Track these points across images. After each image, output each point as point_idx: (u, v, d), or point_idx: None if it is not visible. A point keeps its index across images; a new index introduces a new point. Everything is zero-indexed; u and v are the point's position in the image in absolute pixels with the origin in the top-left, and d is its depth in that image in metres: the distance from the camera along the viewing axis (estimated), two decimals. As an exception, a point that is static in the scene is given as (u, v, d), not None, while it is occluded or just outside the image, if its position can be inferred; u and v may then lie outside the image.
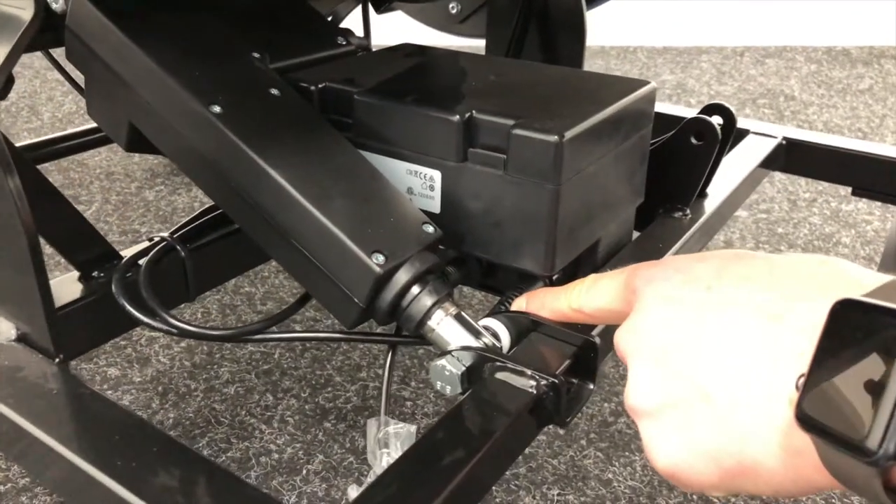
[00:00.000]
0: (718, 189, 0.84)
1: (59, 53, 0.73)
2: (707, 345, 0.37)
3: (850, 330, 0.30)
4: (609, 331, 0.62)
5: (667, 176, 0.78)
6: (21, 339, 0.56)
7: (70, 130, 1.03)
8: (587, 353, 0.57)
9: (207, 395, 1.01)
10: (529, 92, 0.67)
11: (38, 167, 0.67)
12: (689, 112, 0.91)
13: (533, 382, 0.53)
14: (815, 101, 2.23)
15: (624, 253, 0.72)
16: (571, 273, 0.70)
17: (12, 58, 0.49)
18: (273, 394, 1.01)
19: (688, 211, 0.80)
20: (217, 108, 0.60)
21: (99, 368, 1.04)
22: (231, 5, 0.75)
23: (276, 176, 0.58)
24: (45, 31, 0.68)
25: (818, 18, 2.88)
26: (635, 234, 0.77)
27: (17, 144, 0.95)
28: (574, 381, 0.57)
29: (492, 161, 0.61)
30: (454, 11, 1.31)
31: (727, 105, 0.79)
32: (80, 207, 1.48)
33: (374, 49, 0.84)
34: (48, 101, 2.01)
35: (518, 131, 0.59)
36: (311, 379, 1.04)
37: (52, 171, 1.59)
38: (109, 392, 1.00)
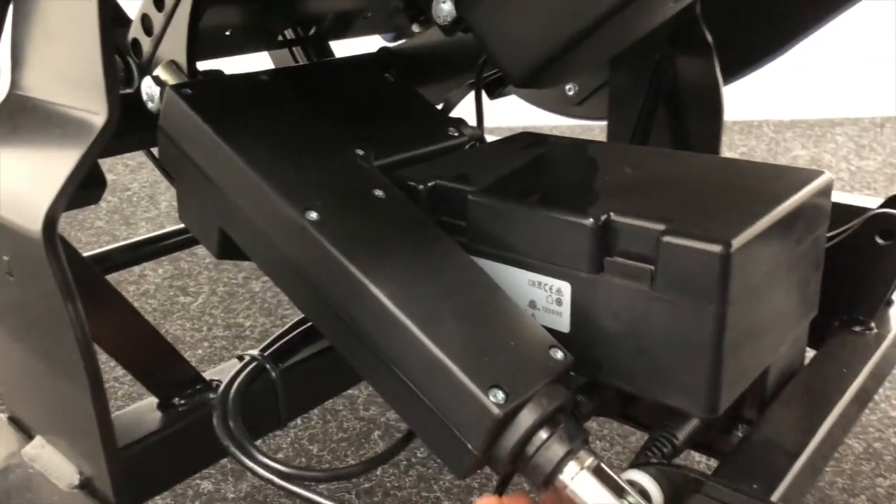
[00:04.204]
0: (906, 295, 0.69)
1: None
2: None
3: None
4: (792, 492, 0.49)
5: (845, 281, 0.64)
6: (83, 485, 0.49)
7: (167, 230, 0.99)
8: (770, 528, 0.44)
9: (303, 515, 0.91)
10: (678, 187, 0.56)
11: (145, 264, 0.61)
12: (859, 199, 0.77)
13: (704, 571, 0.40)
14: (978, 176, 1.99)
15: (799, 380, 0.58)
16: (734, 407, 0.57)
17: (84, 164, 0.43)
18: (374, 517, 0.91)
19: (872, 324, 0.65)
20: (313, 215, 0.53)
21: (192, 481, 0.97)
22: (333, 98, 0.69)
23: (378, 292, 0.50)
24: (146, 131, 0.64)
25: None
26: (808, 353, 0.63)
27: (110, 246, 0.91)
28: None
29: (635, 273, 0.50)
30: (571, 93, 1.22)
31: (917, 195, 0.65)
32: (187, 299, 1.46)
33: (487, 139, 0.76)
34: (167, 190, 2.06)
35: (670, 238, 0.48)
36: (416, 501, 0.93)
37: (164, 262, 1.59)
38: (201, 509, 0.92)
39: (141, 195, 2.05)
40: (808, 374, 0.59)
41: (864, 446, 1.01)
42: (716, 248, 0.46)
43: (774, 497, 0.46)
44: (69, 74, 0.44)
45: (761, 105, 2.69)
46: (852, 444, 1.01)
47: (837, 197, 0.87)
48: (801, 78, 2.84)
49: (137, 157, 2.29)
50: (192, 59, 0.66)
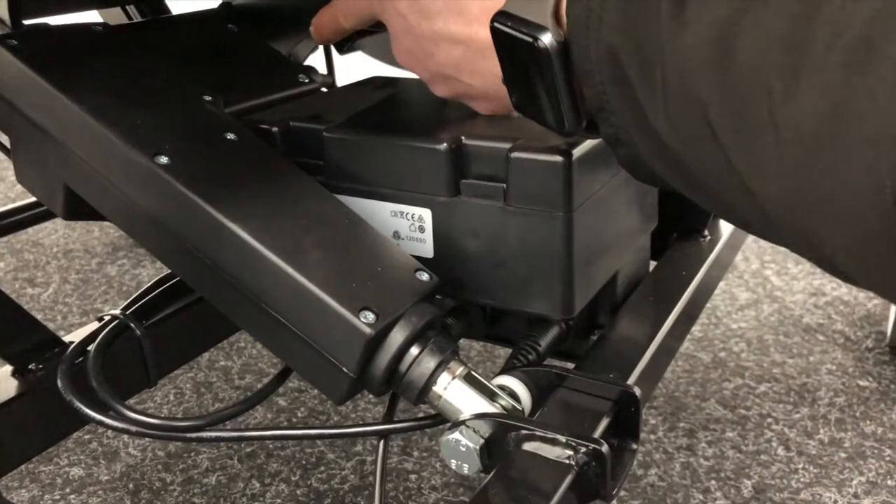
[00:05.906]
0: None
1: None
2: None
3: None
4: (644, 378, 0.53)
5: (680, 197, 0.70)
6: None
7: (10, 206, 0.93)
8: (627, 408, 0.48)
9: (186, 488, 0.89)
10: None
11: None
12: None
13: (570, 451, 0.43)
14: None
15: (644, 285, 0.63)
16: (589, 315, 0.61)
17: None
18: (259, 480, 0.90)
19: (706, 233, 0.72)
20: (163, 159, 0.51)
21: (60, 469, 0.92)
22: (175, 48, 0.67)
23: (238, 230, 0.49)
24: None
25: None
26: (652, 264, 0.69)
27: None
28: (614, 442, 0.48)
29: (489, 192, 0.52)
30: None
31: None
32: (36, 290, 1.38)
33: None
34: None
35: (517, 154, 0.50)
36: (300, 458, 0.94)
37: (4, 254, 1.48)
38: (73, 497, 0.88)
39: (-29, 189, 1.89)
40: (653, 280, 0.64)
41: (711, 357, 1.11)
42: (558, 158, 0.49)
43: (629, 382, 0.50)
44: None
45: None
46: (701, 357, 1.10)
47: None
48: None
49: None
50: (15, 14, 0.62)
